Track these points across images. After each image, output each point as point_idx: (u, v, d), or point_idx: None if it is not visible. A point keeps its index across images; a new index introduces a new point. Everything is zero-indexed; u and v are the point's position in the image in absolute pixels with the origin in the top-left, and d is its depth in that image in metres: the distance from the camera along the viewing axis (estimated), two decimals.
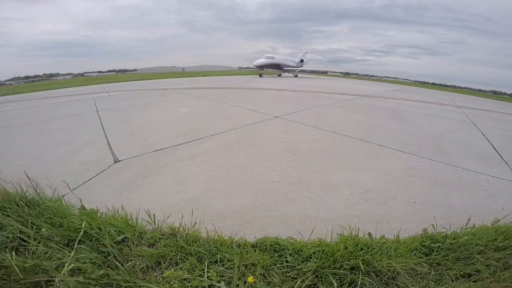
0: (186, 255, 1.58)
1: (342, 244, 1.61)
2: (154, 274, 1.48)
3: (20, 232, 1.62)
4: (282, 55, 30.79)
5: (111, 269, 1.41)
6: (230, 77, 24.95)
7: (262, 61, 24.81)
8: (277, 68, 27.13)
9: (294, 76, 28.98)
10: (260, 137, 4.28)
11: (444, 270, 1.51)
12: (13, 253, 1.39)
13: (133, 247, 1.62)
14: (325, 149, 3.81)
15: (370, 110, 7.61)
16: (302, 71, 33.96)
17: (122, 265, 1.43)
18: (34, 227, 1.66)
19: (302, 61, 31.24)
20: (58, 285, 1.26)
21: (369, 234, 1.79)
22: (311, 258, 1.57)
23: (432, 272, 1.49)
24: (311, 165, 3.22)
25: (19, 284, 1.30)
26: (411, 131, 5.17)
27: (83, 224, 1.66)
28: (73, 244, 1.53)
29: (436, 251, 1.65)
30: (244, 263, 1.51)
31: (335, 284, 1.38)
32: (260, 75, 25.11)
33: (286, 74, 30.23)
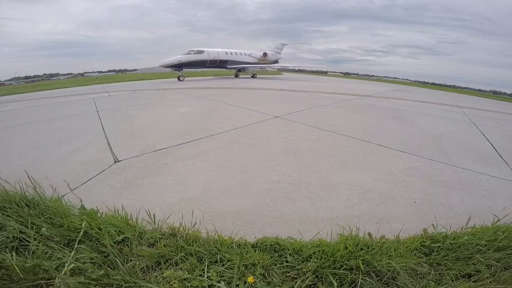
0: (186, 255, 1.58)
1: (342, 244, 1.61)
2: (154, 274, 1.48)
3: (20, 232, 1.62)
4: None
5: (111, 269, 1.42)
6: (229, 77, 24.83)
7: (177, 58, 15.93)
8: (215, 66, 18.89)
9: (251, 77, 21.08)
10: (260, 137, 4.28)
11: (444, 270, 1.51)
12: (13, 253, 1.39)
13: (133, 247, 1.62)
14: (325, 149, 3.81)
15: (370, 110, 7.60)
16: (278, 69, 26.66)
17: (122, 265, 1.43)
18: (34, 227, 1.66)
19: (265, 54, 22.09)
20: (58, 285, 1.26)
21: (369, 234, 1.79)
22: (311, 258, 1.57)
23: (432, 272, 1.49)
24: (311, 165, 3.22)
25: (19, 284, 1.30)
26: (411, 131, 5.17)
27: (83, 224, 1.66)
28: (73, 244, 1.53)
29: (436, 251, 1.65)
30: (244, 263, 1.51)
31: (335, 284, 1.38)
32: (179, 79, 16.18)
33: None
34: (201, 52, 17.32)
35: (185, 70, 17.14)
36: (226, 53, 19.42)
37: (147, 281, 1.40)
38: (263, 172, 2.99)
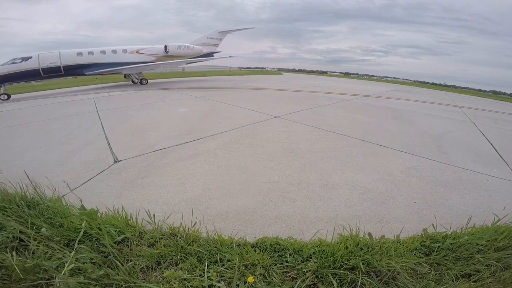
0: (186, 255, 1.58)
1: (342, 244, 1.61)
2: (154, 274, 1.48)
3: (20, 232, 1.62)
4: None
5: (111, 269, 1.41)
6: (230, 77, 24.73)
7: None
8: (59, 74, 12.71)
9: (139, 83, 14.83)
10: (260, 137, 4.28)
11: (444, 270, 1.51)
12: (13, 253, 1.39)
13: (133, 247, 1.62)
14: (325, 149, 3.81)
15: (370, 110, 7.61)
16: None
17: (122, 265, 1.43)
18: (34, 227, 1.66)
19: (166, 48, 15.01)
20: (58, 285, 1.26)
21: (369, 234, 1.79)
22: (311, 258, 1.57)
23: (432, 272, 1.49)
24: (311, 165, 3.22)
25: (19, 284, 1.30)
26: (411, 131, 5.17)
27: (83, 224, 1.66)
28: (73, 244, 1.53)
29: (436, 251, 1.65)
30: (244, 263, 1.51)
31: (335, 284, 1.38)
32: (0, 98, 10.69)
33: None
34: (26, 59, 11.82)
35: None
36: (80, 54, 12.88)
37: (147, 281, 1.40)
38: (263, 172, 2.99)
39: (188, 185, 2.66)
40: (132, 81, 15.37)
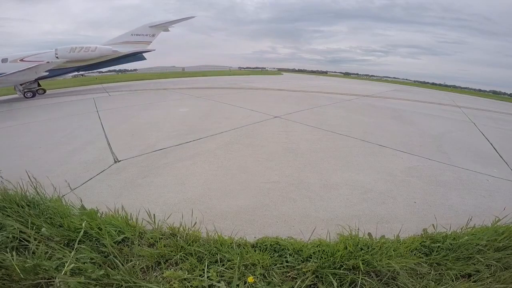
0: (186, 255, 1.58)
1: (342, 244, 1.61)
2: (154, 274, 1.48)
3: (20, 232, 1.62)
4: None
5: (111, 269, 1.42)
6: (230, 77, 24.70)
7: None
8: None
9: (24, 96, 10.96)
10: (260, 137, 4.28)
11: (444, 270, 1.51)
12: (13, 253, 1.39)
13: (133, 247, 1.62)
14: (325, 149, 3.81)
15: (370, 110, 7.60)
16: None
17: (122, 265, 1.43)
18: (34, 227, 1.66)
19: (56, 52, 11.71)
20: (58, 285, 1.26)
21: (369, 234, 1.79)
22: (311, 258, 1.57)
23: (432, 272, 1.49)
24: (311, 165, 3.22)
25: (20, 284, 1.30)
26: (411, 131, 5.17)
27: (83, 224, 1.66)
28: (73, 244, 1.53)
29: (436, 251, 1.65)
30: (244, 263, 1.51)
31: (335, 284, 1.38)
32: None
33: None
34: None
35: None
36: None
37: (147, 281, 1.40)
38: (263, 172, 2.99)
39: (188, 185, 2.66)
40: (33, 94, 11.34)
